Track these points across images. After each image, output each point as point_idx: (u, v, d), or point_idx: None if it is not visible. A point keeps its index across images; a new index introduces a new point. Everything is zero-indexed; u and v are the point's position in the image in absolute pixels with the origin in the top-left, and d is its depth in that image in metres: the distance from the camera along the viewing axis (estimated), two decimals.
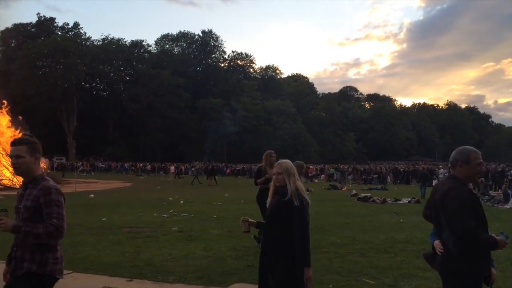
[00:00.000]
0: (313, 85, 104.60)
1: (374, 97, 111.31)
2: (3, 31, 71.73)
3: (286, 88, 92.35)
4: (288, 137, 73.73)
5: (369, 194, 20.49)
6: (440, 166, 47.63)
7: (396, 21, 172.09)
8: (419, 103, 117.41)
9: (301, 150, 73.88)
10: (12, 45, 71.15)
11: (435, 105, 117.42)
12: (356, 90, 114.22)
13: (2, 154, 26.36)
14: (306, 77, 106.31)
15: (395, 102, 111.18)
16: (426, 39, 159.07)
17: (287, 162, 3.77)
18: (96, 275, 6.04)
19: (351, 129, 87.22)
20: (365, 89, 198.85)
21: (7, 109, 28.94)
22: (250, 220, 3.95)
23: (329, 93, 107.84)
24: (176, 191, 23.56)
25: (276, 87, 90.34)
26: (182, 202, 17.39)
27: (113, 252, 7.61)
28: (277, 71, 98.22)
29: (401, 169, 42.32)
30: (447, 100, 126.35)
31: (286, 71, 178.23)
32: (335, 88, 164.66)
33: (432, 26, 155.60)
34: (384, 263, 7.03)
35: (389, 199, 19.09)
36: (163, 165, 55.56)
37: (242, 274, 6.24)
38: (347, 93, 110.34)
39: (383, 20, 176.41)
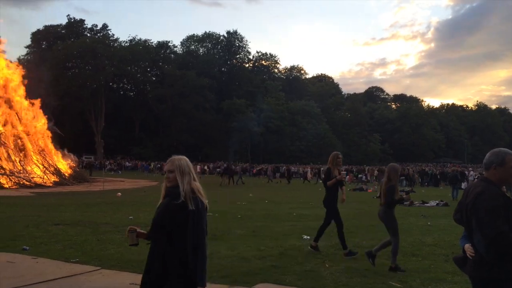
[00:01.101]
0: (338, 85, 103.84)
1: (400, 98, 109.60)
2: (34, 33, 73.82)
3: (311, 89, 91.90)
4: (312, 137, 73.32)
5: None
6: (470, 168, 46.53)
7: (423, 20, 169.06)
8: (448, 104, 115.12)
9: (325, 151, 73.20)
10: (43, 46, 73.12)
11: (464, 106, 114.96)
12: (382, 90, 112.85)
13: (34, 153, 27.09)
14: (331, 78, 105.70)
15: (423, 103, 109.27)
16: (455, 39, 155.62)
17: (181, 158, 3.22)
18: (123, 272, 6.14)
19: (376, 130, 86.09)
20: (391, 90, 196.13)
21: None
22: (138, 230, 3.26)
23: (355, 93, 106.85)
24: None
25: (300, 87, 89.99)
26: (206, 201, 17.49)
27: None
28: (302, 72, 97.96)
29: (429, 171, 41.52)
30: (477, 101, 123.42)
31: (310, 72, 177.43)
32: (361, 88, 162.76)
33: (461, 25, 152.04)
34: (411, 266, 6.91)
35: (416, 201, 18.75)
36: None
37: (266, 274, 6.24)
38: (373, 94, 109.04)
39: (410, 19, 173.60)
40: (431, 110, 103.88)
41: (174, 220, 2.98)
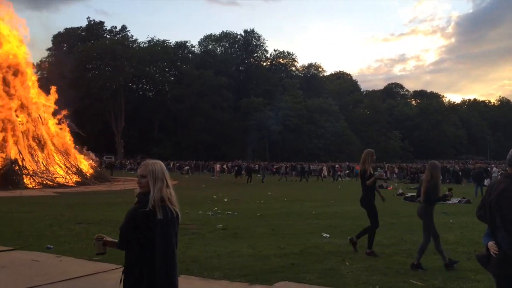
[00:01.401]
0: (356, 82, 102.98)
1: (420, 94, 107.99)
2: (55, 36, 75.24)
3: (329, 86, 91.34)
4: (330, 135, 72.89)
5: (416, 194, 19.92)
6: (493, 164, 45.65)
7: (443, 15, 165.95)
8: (469, 100, 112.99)
9: (344, 148, 72.88)
10: (64, 48, 74.41)
11: (486, 101, 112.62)
12: (401, 86, 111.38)
13: (56, 154, 27.62)
14: (349, 75, 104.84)
15: (443, 99, 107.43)
16: (476, 33, 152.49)
17: (155, 162, 2.97)
18: None
19: (396, 127, 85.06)
20: (411, 86, 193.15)
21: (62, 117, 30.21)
22: (106, 238, 3.05)
23: (373, 90, 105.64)
24: (220, 189, 23.87)
25: (318, 85, 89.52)
26: (226, 200, 17.60)
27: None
28: (320, 69, 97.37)
29: (451, 168, 40.88)
30: (499, 96, 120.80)
31: (328, 69, 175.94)
32: (380, 85, 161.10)
33: (482, 19, 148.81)
34: (432, 265, 6.83)
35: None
36: (207, 163, 56.41)
37: (286, 272, 6.24)
38: (392, 90, 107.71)
39: (430, 14, 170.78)
40: (452, 106, 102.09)
41: (140, 229, 2.78)
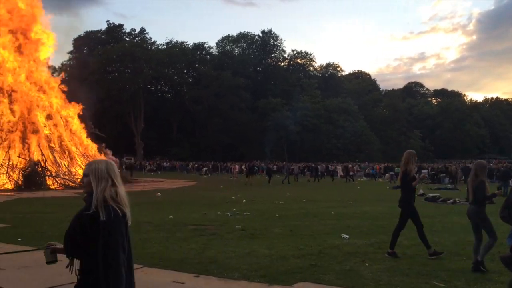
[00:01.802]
0: (375, 81, 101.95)
1: (441, 93, 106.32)
2: (76, 39, 76.52)
3: (347, 86, 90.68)
4: (349, 135, 72.36)
5: (438, 194, 19.64)
6: None
7: (464, 12, 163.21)
8: (492, 98, 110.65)
9: (363, 148, 72.26)
10: (85, 51, 75.63)
11: (510, 100, 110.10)
12: (421, 85, 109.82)
13: (78, 155, 28.08)
14: (368, 74, 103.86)
15: (465, 97, 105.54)
16: (498, 30, 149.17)
17: (100, 161, 2.74)
18: (165, 270, 6.28)
19: (416, 126, 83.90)
20: (431, 84, 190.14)
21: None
22: (55, 246, 2.84)
23: (393, 89, 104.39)
24: (238, 190, 23.93)
25: (336, 85, 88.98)
26: (244, 201, 17.63)
27: (180, 248, 7.87)
28: (338, 69, 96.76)
29: None
30: None
31: (347, 68, 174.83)
32: (399, 84, 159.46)
33: (504, 16, 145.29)
34: (455, 266, 6.72)
35: (459, 199, 18.17)
36: (225, 164, 56.61)
37: (305, 273, 6.22)
38: (412, 89, 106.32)
39: (450, 11, 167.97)
40: (474, 105, 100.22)
41: (85, 234, 2.55)
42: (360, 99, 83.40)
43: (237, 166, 45.42)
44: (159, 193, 20.60)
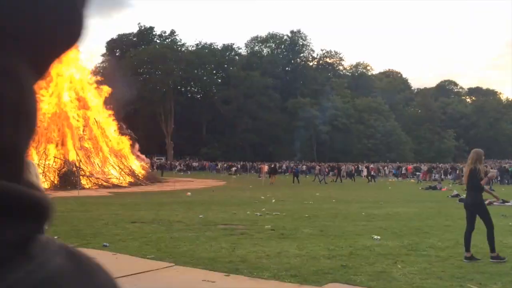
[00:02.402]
0: (407, 80, 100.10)
1: (476, 91, 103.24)
2: (108, 42, 78.39)
3: (378, 85, 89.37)
4: (380, 135, 71.32)
5: None
6: None
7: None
8: None
9: (394, 148, 71.06)
10: (117, 54, 77.38)
11: None
12: (455, 83, 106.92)
13: (111, 155, 28.72)
14: (399, 72, 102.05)
15: (501, 95, 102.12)
16: None
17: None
18: (195, 269, 6.34)
19: (450, 125, 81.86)
20: (465, 83, 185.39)
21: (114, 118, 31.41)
22: None
23: (425, 88, 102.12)
24: (267, 190, 23.94)
25: (367, 84, 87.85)
26: (274, 201, 17.62)
27: (210, 247, 7.94)
28: (368, 68, 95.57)
29: (510, 168, 38.81)
30: None
31: (377, 67, 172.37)
32: (432, 82, 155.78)
33: None
34: (491, 269, 6.52)
35: (495, 200, 17.59)
36: (254, 164, 56.76)
37: (336, 274, 6.16)
38: (445, 87, 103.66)
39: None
40: (510, 103, 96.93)
41: None
42: (391, 98, 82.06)
43: (266, 166, 45.42)
44: (189, 193, 20.83)
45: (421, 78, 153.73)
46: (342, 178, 38.38)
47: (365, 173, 40.03)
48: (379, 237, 9.10)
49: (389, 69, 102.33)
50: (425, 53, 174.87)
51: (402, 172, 46.29)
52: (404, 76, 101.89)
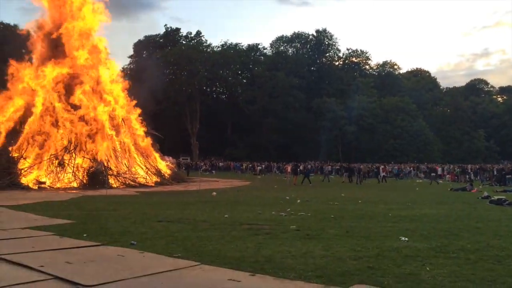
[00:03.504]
0: (435, 79, 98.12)
1: (508, 90, 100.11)
2: (135, 43, 79.70)
3: (405, 84, 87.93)
4: (407, 135, 70.14)
5: (504, 197, 18.55)
6: None
7: None
8: None
9: (422, 149, 69.74)
10: (144, 55, 78.61)
11: None
12: (486, 82, 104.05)
13: (137, 155, 29.18)
14: (427, 72, 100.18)
15: None
16: None
17: None
18: (221, 268, 6.38)
19: (480, 125, 79.73)
20: (496, 82, 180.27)
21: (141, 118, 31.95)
22: None
23: (454, 87, 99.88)
24: (292, 190, 23.87)
25: (394, 83, 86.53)
26: (299, 201, 17.55)
27: (235, 247, 7.98)
28: (395, 67, 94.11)
29: None
30: None
31: (405, 66, 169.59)
32: (461, 81, 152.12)
33: None
34: None
35: None
36: (279, 164, 56.68)
37: (362, 276, 6.09)
38: (476, 87, 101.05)
39: None
40: None
41: None
42: (419, 98, 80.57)
43: (290, 166, 45.31)
44: (215, 193, 20.98)
45: (450, 77, 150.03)
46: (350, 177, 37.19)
47: (382, 173, 39.24)
48: (406, 238, 8.95)
49: (417, 68, 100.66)
50: (454, 52, 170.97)
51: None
52: (432, 75, 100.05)
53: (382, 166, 42.27)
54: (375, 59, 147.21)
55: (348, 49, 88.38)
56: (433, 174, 38.75)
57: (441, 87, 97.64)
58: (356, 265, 6.66)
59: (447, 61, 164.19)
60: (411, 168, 50.85)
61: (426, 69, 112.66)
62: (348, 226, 10.68)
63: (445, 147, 74.64)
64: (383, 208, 15.35)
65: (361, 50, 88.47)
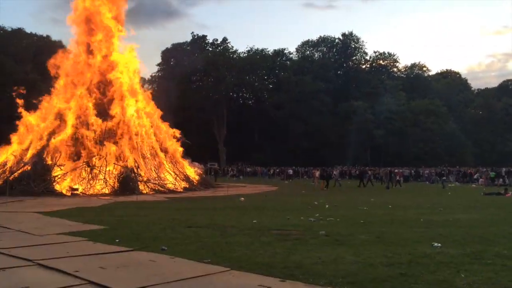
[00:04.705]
0: (466, 80, 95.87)
1: None
2: (163, 51, 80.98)
3: (435, 86, 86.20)
4: (438, 138, 68.68)
5: None
6: None
7: None
8: None
9: (453, 152, 68.11)
10: (172, 63, 79.80)
11: None
12: None
13: (166, 161, 29.59)
14: (457, 73, 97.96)
15: None
16: None
17: None
18: (251, 274, 6.39)
19: None
20: None
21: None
22: None
23: (486, 88, 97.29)
24: (320, 195, 23.71)
25: (423, 85, 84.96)
26: (327, 206, 17.42)
27: (265, 252, 7.98)
28: (424, 69, 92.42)
29: None
30: None
31: (434, 68, 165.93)
32: (493, 82, 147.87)
33: None
34: None
35: None
36: (306, 169, 56.39)
37: (394, 282, 5.99)
38: (508, 87, 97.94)
39: None
40: None
41: None
42: (449, 100, 78.88)
43: (317, 171, 44.99)
44: (243, 198, 21.03)
45: (481, 78, 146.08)
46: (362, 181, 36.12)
47: (398, 177, 37.99)
48: (439, 244, 8.76)
49: (446, 70, 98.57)
50: (485, 52, 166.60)
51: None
52: (463, 76, 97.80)
53: (396, 170, 41.14)
54: (403, 61, 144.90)
55: (375, 52, 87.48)
56: (443, 178, 37.94)
57: (472, 89, 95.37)
58: (387, 272, 6.56)
59: (478, 61, 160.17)
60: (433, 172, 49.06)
61: (456, 70, 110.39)
62: (379, 232, 10.53)
63: (477, 150, 72.71)
64: (414, 213, 15.07)
65: (388, 53, 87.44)
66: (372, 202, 20.03)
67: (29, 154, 25.77)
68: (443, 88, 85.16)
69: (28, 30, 67.19)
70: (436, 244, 8.76)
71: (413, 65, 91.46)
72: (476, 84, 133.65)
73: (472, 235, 10.10)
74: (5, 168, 25.76)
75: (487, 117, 78.06)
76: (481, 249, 8.32)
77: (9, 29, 65.71)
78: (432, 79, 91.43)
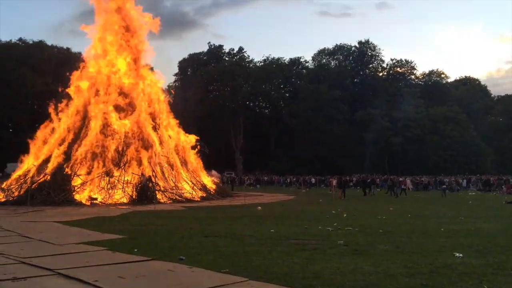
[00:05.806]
0: (486, 87, 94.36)
1: None
2: (180, 62, 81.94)
3: (454, 93, 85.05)
4: (457, 146, 67.57)
5: None
6: None
7: None
8: None
9: (473, 160, 66.90)
10: (188, 73, 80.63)
11: None
12: None
13: (183, 170, 29.75)
14: (477, 79, 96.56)
15: None
16: None
17: None
18: (270, 284, 6.35)
19: None
20: None
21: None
22: None
23: (506, 95, 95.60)
24: (338, 204, 23.51)
25: (441, 92, 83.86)
26: (345, 215, 17.26)
27: (283, 262, 7.93)
28: (442, 76, 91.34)
29: None
30: None
31: (452, 75, 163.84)
32: None
33: None
34: None
35: None
36: (323, 178, 55.99)
37: None
38: None
39: None
40: None
41: None
42: (469, 107, 77.67)
43: (334, 180, 44.62)
44: (260, 207, 20.98)
45: (501, 85, 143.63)
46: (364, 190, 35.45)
47: (409, 185, 37.09)
48: (461, 254, 8.59)
49: (465, 76, 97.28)
50: (505, 58, 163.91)
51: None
52: (482, 83, 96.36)
53: (401, 179, 40.23)
54: (421, 69, 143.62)
55: (392, 59, 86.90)
56: (443, 186, 37.29)
57: (492, 95, 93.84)
58: (408, 282, 6.45)
59: (498, 67, 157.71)
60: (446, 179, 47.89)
61: (475, 76, 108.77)
62: (399, 241, 10.38)
63: (499, 158, 71.32)
64: (435, 222, 14.82)
65: (405, 60, 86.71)
66: (391, 211, 19.77)
67: (50, 165, 26.19)
68: (463, 95, 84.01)
69: (49, 43, 68.79)
70: (457, 254, 8.59)
71: (431, 72, 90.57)
72: (495, 90, 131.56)
73: (494, 245, 9.88)
74: (26, 178, 26.23)
75: (507, 124, 76.61)
76: (504, 259, 8.13)
77: (31, 42, 67.43)
78: (451, 86, 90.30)
